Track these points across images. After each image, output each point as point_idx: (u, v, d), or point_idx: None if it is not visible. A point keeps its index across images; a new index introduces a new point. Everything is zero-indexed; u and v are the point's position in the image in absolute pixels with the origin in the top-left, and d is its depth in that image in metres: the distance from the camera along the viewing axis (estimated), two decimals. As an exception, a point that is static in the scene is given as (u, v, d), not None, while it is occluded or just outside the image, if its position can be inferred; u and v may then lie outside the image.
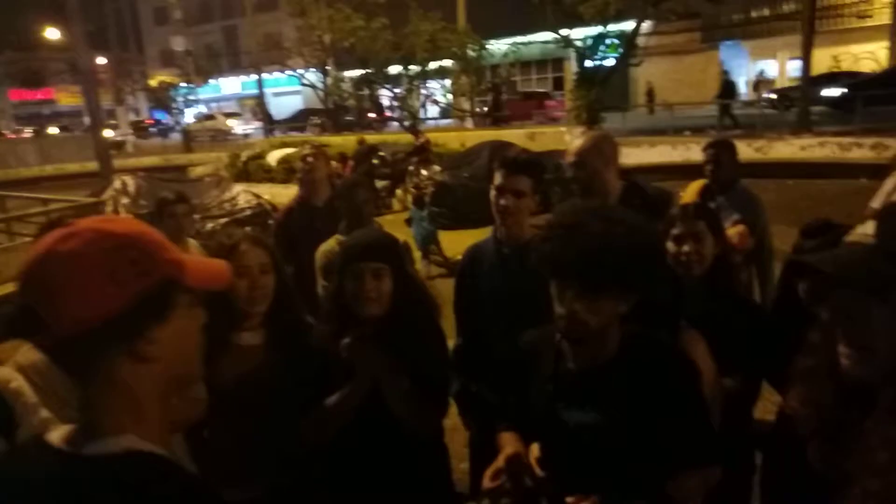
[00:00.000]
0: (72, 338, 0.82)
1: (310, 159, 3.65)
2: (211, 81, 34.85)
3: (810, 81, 16.91)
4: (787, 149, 14.25)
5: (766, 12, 25.50)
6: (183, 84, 29.11)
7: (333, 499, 1.93)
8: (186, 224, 3.67)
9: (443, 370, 2.03)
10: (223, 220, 10.08)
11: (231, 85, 40.58)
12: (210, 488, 0.95)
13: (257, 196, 12.09)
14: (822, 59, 21.74)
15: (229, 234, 2.04)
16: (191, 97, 29.89)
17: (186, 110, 31.18)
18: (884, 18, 22.98)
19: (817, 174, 12.24)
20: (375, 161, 14.04)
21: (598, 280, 1.37)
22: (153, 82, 30.51)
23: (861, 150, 13.13)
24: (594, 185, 2.52)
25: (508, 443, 1.63)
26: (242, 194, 12.16)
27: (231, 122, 32.91)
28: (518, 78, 28.83)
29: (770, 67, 27.74)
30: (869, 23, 23.84)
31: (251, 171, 17.54)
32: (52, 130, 35.72)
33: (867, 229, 1.98)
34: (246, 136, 26.54)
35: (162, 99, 30.66)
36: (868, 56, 24.10)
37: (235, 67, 38.53)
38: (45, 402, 1.54)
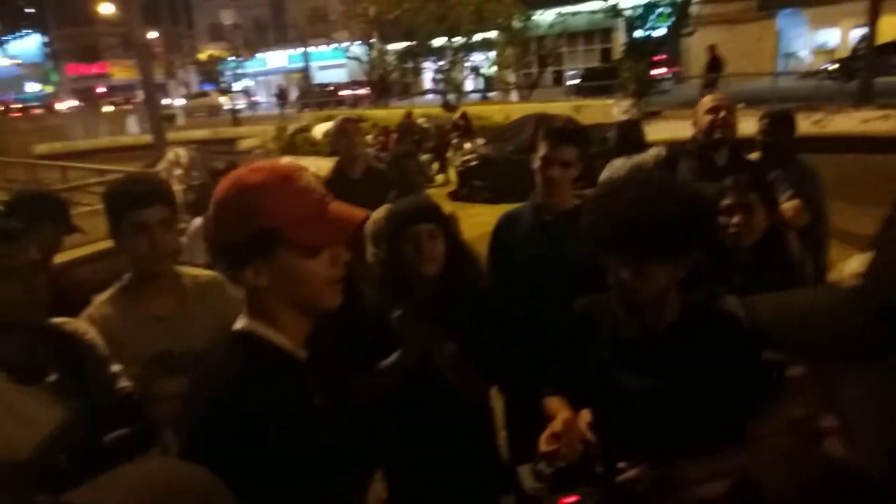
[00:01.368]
0: (219, 250, 1.12)
1: (348, 126, 3.70)
2: (258, 55, 35.23)
3: (876, 51, 16.05)
4: (848, 122, 13.62)
5: (830, -22, 24.20)
6: (231, 58, 29.56)
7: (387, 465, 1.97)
8: None
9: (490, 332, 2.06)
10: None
11: (278, 59, 40.91)
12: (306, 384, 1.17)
13: (304, 169, 12.16)
14: (890, 28, 20.58)
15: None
16: (239, 70, 30.33)
17: (234, 84, 31.67)
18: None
19: (879, 149, 11.69)
20: (416, 137, 14.05)
21: (637, 247, 1.38)
22: (202, 56, 31.05)
23: (928, 124, 12.47)
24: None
25: (560, 407, 1.65)
26: (288, 167, 12.25)
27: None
28: (565, 49, 28.23)
29: (832, 37, 26.40)
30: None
31: (297, 144, 17.78)
32: (107, 108, 36.60)
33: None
34: (236, 111, 27.10)
35: (211, 73, 31.19)
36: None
37: (282, 41, 38.77)
38: (113, 356, 1.62)
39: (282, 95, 29.29)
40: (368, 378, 1.91)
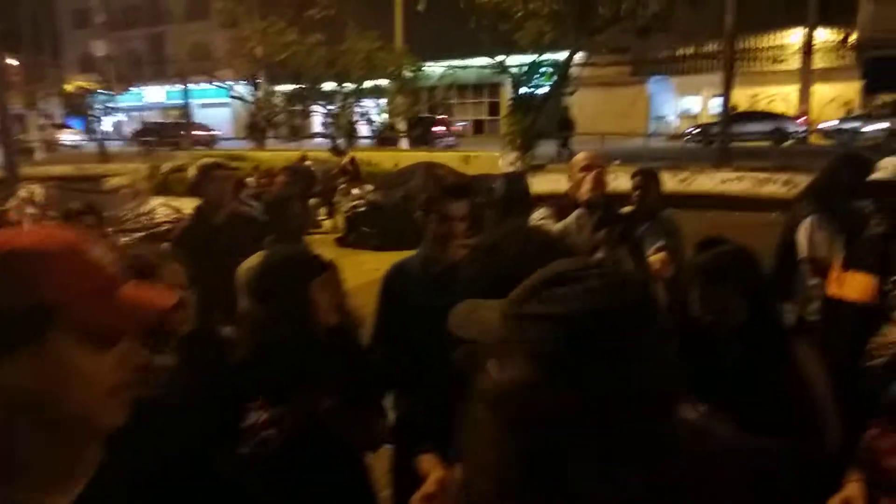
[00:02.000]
0: None
1: (219, 174, 3.48)
2: (133, 89, 33.38)
3: (730, 118, 17.79)
4: (709, 182, 14.83)
5: (691, 51, 26.82)
6: (102, 90, 27.67)
7: None
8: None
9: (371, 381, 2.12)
10: (138, 235, 9.55)
11: (155, 94, 39.07)
12: None
13: (177, 210, 11.51)
14: (742, 98, 23.01)
15: (152, 251, 2.02)
16: (110, 104, 28.41)
17: (105, 118, 29.65)
18: (795, 64, 24.62)
19: (736, 207, 12.75)
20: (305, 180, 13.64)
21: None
22: (70, 87, 28.81)
23: (774, 186, 13.80)
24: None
25: (434, 465, 1.62)
26: (161, 208, 11.61)
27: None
28: (455, 101, 29.06)
29: (695, 103, 29.13)
30: (782, 67, 25.47)
31: (171, 184, 16.74)
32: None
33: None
34: (75, 147, 26.07)
35: (78, 105, 29.01)
36: (781, 98, 25.72)
37: (160, 76, 37.10)
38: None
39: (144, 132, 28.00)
40: (249, 447, 1.79)
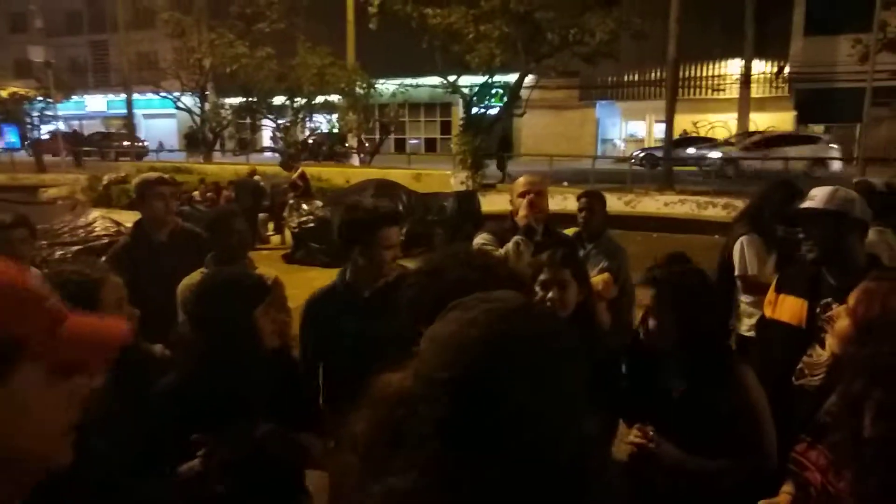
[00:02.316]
0: None
1: (164, 190, 3.35)
2: (75, 97, 32.13)
3: (672, 144, 18.43)
4: (653, 204, 15.30)
5: (637, 77, 27.75)
6: (40, 98, 26.51)
7: None
8: (24, 251, 3.23)
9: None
10: (75, 248, 9.13)
11: (97, 103, 37.76)
12: None
13: (118, 224, 11.10)
14: (684, 124, 23.89)
15: (91, 266, 1.91)
16: (48, 112, 27.22)
17: (43, 126, 28.37)
18: (734, 93, 25.77)
19: (678, 229, 13.17)
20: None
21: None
22: (4, 93, 27.47)
23: (715, 209, 14.35)
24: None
25: None
26: (100, 220, 11.15)
27: None
28: (406, 119, 29.15)
29: (640, 128, 30.07)
30: (722, 95, 26.61)
31: (113, 195, 16.16)
32: None
33: None
34: (39, 156, 25.40)
35: (13, 112, 27.67)
36: (721, 125, 26.83)
37: (103, 84, 35.89)
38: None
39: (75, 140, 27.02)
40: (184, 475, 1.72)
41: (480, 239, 2.96)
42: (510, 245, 2.80)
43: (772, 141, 20.64)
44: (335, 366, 2.38)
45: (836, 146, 20.54)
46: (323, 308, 2.43)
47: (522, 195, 2.91)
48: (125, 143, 29.09)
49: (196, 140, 24.69)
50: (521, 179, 3.07)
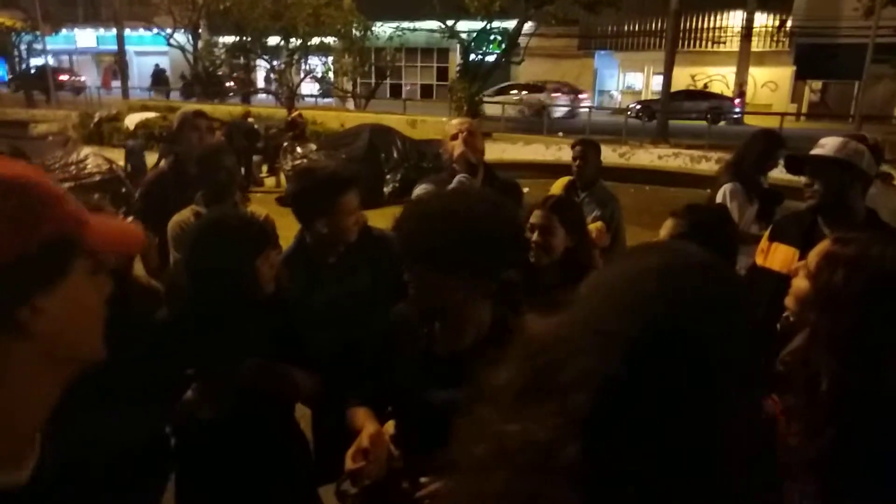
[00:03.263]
0: None
1: (200, 123, 3.39)
2: (64, 31, 31.21)
3: (670, 96, 18.30)
4: (647, 157, 15.32)
5: (636, 27, 27.25)
6: (27, 31, 25.76)
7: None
8: None
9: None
10: (67, 185, 9.15)
11: (88, 38, 36.73)
12: None
13: (110, 161, 11.02)
14: (682, 77, 23.63)
15: (87, 201, 1.86)
16: (37, 46, 26.51)
17: (32, 60, 27.66)
18: (734, 46, 25.42)
19: (671, 182, 13.25)
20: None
21: (418, 253, 1.40)
22: (-11, 24, 26.70)
23: (708, 164, 14.39)
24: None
25: (366, 420, 1.59)
26: (92, 158, 11.05)
27: None
28: (403, 64, 28.65)
29: (638, 80, 29.70)
30: (722, 49, 26.25)
31: (105, 133, 16.02)
32: None
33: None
34: (30, 92, 24.96)
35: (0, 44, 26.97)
36: (720, 79, 26.56)
37: (93, 19, 34.85)
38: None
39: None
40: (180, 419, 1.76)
41: (420, 189, 2.79)
42: (454, 184, 2.66)
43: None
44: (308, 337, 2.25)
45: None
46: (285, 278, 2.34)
47: (455, 137, 2.79)
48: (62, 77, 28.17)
49: (192, 84, 24.14)
50: (453, 121, 2.96)
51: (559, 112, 21.61)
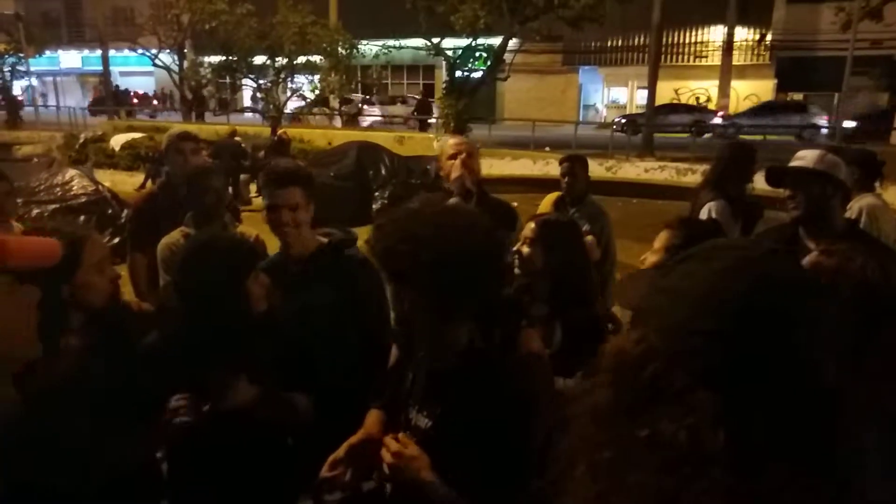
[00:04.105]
0: None
1: (185, 146, 3.33)
2: (48, 53, 31.15)
3: (654, 110, 18.50)
4: (633, 170, 15.44)
5: (620, 43, 27.61)
6: (10, 53, 25.68)
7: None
8: (8, 205, 3.15)
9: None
10: (52, 207, 9.07)
11: (72, 59, 36.66)
12: None
13: (95, 182, 10.96)
14: (666, 91, 23.94)
15: (74, 224, 1.85)
16: (20, 68, 26.42)
17: (15, 82, 27.52)
18: (716, 60, 25.80)
19: (658, 195, 13.34)
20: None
21: (422, 275, 1.35)
22: (-27, 46, 26.56)
23: (694, 176, 14.49)
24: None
25: (366, 426, 1.58)
26: (77, 179, 11.01)
27: None
28: (389, 81, 28.81)
29: (622, 94, 30.04)
30: (704, 63, 26.64)
31: (91, 154, 15.91)
32: None
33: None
34: (14, 112, 25.14)
35: (-16, 66, 26.83)
36: (703, 92, 26.93)
37: (78, 40, 34.80)
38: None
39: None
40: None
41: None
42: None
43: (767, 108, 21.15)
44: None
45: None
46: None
47: (453, 157, 2.77)
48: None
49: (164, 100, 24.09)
50: (451, 141, 2.94)
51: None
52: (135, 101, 31.93)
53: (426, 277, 1.33)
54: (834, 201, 2.36)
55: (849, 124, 18.77)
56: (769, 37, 25.32)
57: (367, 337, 2.20)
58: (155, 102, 30.09)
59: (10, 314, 0.92)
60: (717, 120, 22.39)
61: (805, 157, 2.37)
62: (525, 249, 2.30)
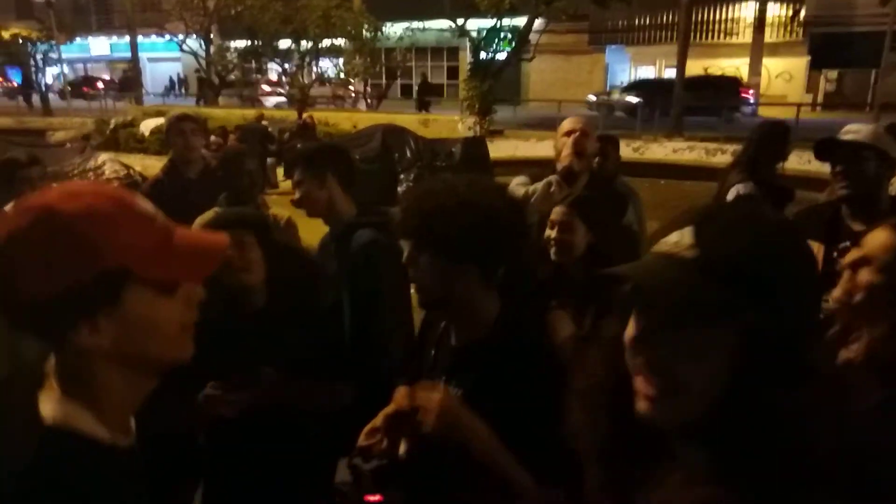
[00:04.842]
0: (30, 310, 0.81)
1: (185, 126, 3.37)
2: (79, 40, 31.65)
3: (684, 89, 18.14)
4: (661, 151, 15.21)
5: (647, 21, 27.06)
6: (42, 39, 26.15)
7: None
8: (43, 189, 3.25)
9: (334, 348, 1.96)
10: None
11: (101, 46, 37.18)
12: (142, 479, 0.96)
13: (127, 167, 11.19)
14: (694, 70, 23.45)
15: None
16: (52, 55, 26.89)
17: (47, 69, 28.06)
18: (746, 38, 25.15)
19: (687, 175, 13.14)
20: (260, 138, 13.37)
21: (429, 241, 1.38)
22: (6, 34, 27.09)
23: (724, 156, 14.22)
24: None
25: (397, 398, 1.57)
26: (109, 163, 11.27)
27: None
28: (413, 63, 28.70)
29: (650, 73, 29.50)
30: (734, 40, 25.99)
31: (121, 139, 16.22)
32: None
33: (684, 238, 2.02)
34: (46, 99, 25.64)
35: (16, 54, 27.33)
36: (733, 70, 26.32)
37: (107, 26, 35.27)
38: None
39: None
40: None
41: (517, 180, 2.78)
42: (540, 183, 2.62)
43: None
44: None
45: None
46: (323, 256, 2.50)
47: (568, 134, 2.71)
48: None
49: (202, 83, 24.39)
50: (567, 120, 2.88)
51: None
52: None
53: (465, 244, 1.35)
54: (884, 180, 2.24)
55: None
56: (803, 12, 24.57)
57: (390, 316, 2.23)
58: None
59: (152, 322, 0.87)
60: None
61: (859, 132, 2.23)
62: (552, 234, 2.23)
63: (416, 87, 24.02)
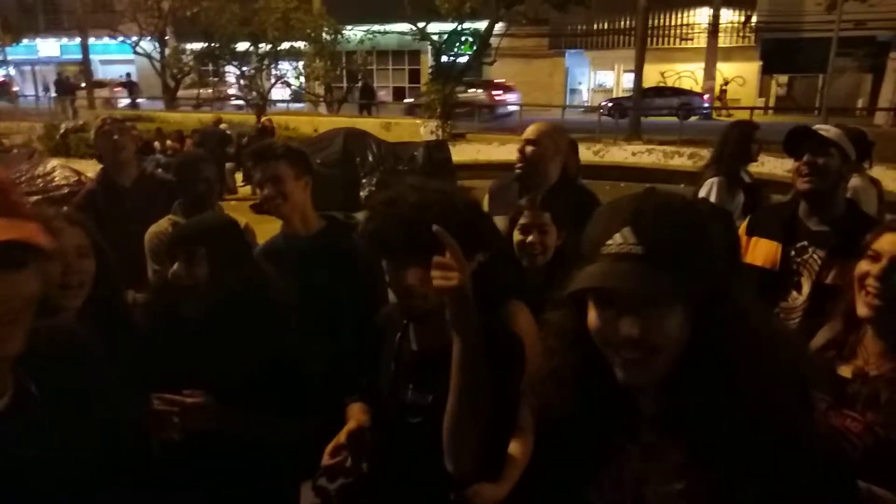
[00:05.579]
0: None
1: (115, 136, 3.17)
2: (26, 41, 30.59)
3: (641, 94, 18.49)
4: (621, 154, 15.45)
5: (606, 26, 27.49)
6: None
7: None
8: None
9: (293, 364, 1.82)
10: (35, 198, 8.93)
11: (50, 47, 35.97)
12: None
13: (77, 173, 10.80)
14: (652, 74, 23.91)
15: (51, 214, 1.79)
16: (-2, 57, 25.96)
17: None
18: (702, 43, 25.77)
19: (646, 178, 13.35)
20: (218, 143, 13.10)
21: (420, 248, 1.31)
22: (-52, 35, 25.99)
23: (681, 159, 14.57)
24: (538, 168, 2.73)
25: (354, 415, 1.58)
26: (59, 170, 10.85)
27: None
28: (374, 67, 28.55)
29: (609, 78, 29.96)
30: (690, 45, 26.60)
31: (71, 144, 15.67)
32: None
33: (627, 238, 2.15)
34: None
35: (-40, 55, 26.29)
36: (689, 75, 26.92)
37: (56, 28, 34.14)
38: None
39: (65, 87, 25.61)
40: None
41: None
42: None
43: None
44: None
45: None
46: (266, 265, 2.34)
47: (524, 143, 2.77)
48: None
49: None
50: (530, 127, 2.93)
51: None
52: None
53: (410, 237, 1.34)
54: (843, 181, 2.28)
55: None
56: (754, 18, 25.30)
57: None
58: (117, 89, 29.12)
59: None
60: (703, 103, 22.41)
61: (829, 131, 2.25)
62: (518, 236, 2.21)
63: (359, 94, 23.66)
